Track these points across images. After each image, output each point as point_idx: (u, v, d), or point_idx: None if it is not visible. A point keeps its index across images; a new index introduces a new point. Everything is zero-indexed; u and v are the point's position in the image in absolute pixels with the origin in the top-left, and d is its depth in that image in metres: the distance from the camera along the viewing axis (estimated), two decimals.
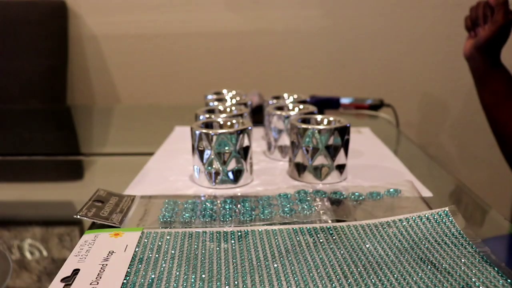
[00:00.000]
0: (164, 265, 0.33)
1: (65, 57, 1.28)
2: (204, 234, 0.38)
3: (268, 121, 0.59)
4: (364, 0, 1.26)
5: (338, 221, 0.41)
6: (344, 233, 0.38)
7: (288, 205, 0.43)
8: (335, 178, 0.51)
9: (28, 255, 0.39)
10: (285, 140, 0.58)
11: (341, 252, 0.35)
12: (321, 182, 0.50)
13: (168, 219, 0.41)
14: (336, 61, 1.31)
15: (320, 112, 0.60)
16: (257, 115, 0.74)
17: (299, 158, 0.51)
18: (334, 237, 0.37)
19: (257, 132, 0.71)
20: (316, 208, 0.43)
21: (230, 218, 0.41)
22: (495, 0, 0.74)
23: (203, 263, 0.34)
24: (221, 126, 0.53)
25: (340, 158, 0.50)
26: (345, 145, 0.50)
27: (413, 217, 0.39)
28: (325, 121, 0.54)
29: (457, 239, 0.36)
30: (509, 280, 0.30)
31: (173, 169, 0.56)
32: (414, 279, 0.31)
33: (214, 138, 0.47)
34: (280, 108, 0.61)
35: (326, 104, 0.93)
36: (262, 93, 0.81)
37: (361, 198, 0.46)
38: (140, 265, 0.33)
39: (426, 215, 0.39)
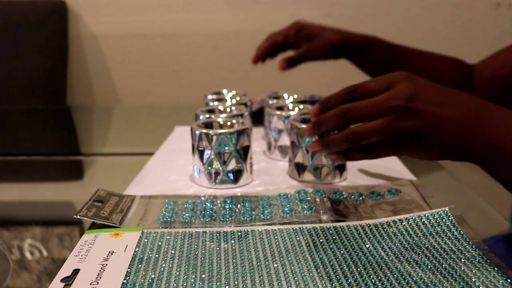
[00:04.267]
0: (164, 265, 0.33)
1: (65, 57, 1.28)
2: (204, 234, 0.38)
3: (268, 121, 0.59)
4: (363, 0, 1.26)
5: (338, 221, 0.41)
6: (344, 233, 0.38)
7: (288, 205, 0.43)
8: (335, 178, 0.51)
9: (28, 255, 0.39)
10: (285, 140, 0.58)
11: (341, 252, 0.35)
12: (321, 182, 0.50)
13: (168, 219, 0.41)
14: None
15: None
16: (257, 115, 0.74)
17: (299, 158, 0.51)
18: (334, 237, 0.37)
19: (257, 132, 0.71)
20: (316, 208, 0.43)
21: (230, 218, 0.41)
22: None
23: (203, 263, 0.34)
24: (221, 126, 0.53)
25: None
26: None
27: (413, 217, 0.39)
28: None
29: (457, 239, 0.36)
30: (509, 280, 0.30)
31: (173, 169, 0.56)
32: (414, 279, 0.31)
33: (214, 138, 0.47)
34: (280, 108, 0.61)
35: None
36: (264, 95, 0.81)
37: (361, 198, 0.46)
38: (140, 265, 0.33)
39: (426, 215, 0.39)
